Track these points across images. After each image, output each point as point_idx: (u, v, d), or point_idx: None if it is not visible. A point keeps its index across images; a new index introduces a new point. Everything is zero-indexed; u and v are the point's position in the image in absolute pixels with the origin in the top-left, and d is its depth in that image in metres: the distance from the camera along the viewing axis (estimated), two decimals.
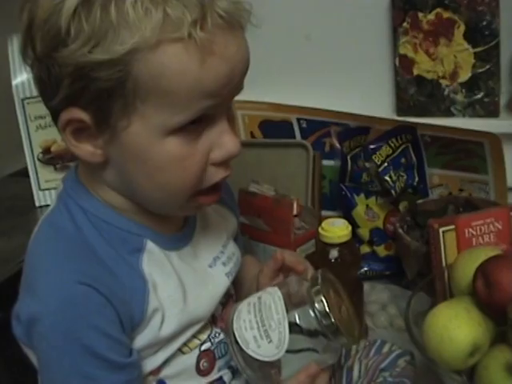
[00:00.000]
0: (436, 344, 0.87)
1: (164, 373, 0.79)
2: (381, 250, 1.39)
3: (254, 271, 0.94)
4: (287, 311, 0.77)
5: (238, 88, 0.74)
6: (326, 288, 0.78)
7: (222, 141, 0.73)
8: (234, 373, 0.86)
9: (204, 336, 0.83)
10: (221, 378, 0.85)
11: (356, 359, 0.99)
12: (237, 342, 0.77)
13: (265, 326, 0.76)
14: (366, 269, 1.39)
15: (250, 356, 0.77)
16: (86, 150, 0.72)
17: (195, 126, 0.71)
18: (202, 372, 0.83)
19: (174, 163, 0.71)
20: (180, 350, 0.80)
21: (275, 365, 0.77)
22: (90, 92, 0.67)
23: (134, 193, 0.76)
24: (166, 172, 0.72)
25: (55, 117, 0.71)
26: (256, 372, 0.78)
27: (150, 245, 0.78)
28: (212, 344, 0.84)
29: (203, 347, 0.83)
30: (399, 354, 0.98)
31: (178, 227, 0.84)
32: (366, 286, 1.31)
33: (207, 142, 0.72)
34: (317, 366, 0.77)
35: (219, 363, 0.84)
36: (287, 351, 0.76)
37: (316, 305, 0.76)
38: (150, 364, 0.77)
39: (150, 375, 0.78)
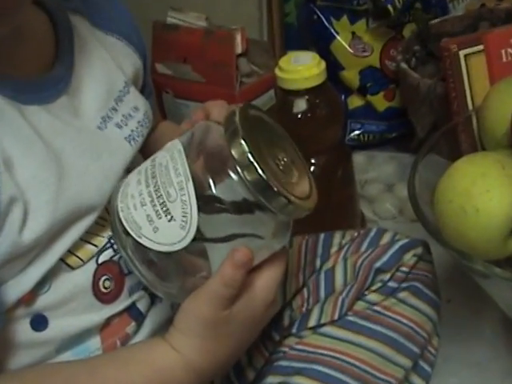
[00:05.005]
0: (456, 221, 0.83)
1: (42, 301, 0.77)
2: (379, 101, 1.40)
3: None
4: (193, 176, 0.71)
5: None
6: (252, 132, 0.71)
7: None
8: (154, 297, 0.85)
9: (102, 240, 0.82)
10: (133, 305, 0.84)
11: (340, 258, 0.98)
12: (126, 231, 0.72)
13: (161, 197, 0.71)
14: (357, 132, 1.41)
15: (146, 247, 0.71)
16: None
17: None
18: (103, 296, 0.81)
19: None
20: (65, 263, 0.78)
21: (200, 265, 0.73)
22: None
23: None
24: None
25: None
26: (173, 282, 0.74)
27: None
28: (116, 251, 0.82)
29: (102, 257, 0.81)
30: (405, 245, 0.96)
31: (43, 67, 0.81)
32: (360, 156, 1.38)
33: None
34: (247, 250, 0.71)
35: (130, 281, 0.83)
36: (212, 240, 0.71)
37: (232, 151, 0.69)
38: (18, 288, 0.75)
39: (21, 307, 0.76)
